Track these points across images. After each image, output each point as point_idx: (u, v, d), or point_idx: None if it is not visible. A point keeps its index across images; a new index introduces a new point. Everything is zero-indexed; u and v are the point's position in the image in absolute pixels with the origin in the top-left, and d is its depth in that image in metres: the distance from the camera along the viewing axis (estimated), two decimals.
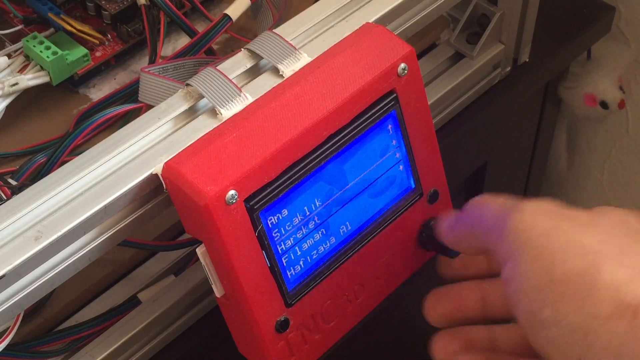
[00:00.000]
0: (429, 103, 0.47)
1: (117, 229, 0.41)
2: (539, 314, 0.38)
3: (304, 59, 0.44)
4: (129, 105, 0.48)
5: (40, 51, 0.53)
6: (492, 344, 0.47)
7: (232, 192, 0.39)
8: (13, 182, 0.47)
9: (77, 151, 0.49)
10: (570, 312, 0.37)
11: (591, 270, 0.37)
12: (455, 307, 0.47)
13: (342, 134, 0.43)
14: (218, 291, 0.42)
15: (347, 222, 0.45)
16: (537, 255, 0.38)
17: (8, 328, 0.42)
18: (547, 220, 0.39)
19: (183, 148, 0.41)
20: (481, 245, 0.43)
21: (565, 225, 0.39)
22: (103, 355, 0.47)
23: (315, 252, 0.44)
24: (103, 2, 0.58)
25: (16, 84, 0.53)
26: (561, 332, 0.38)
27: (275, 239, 0.42)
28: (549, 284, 0.38)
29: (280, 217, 0.42)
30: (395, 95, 0.44)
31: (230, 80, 0.43)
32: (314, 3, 0.48)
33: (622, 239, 0.38)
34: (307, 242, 0.43)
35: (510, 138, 0.76)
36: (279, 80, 0.43)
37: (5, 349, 0.43)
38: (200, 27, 0.54)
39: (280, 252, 0.42)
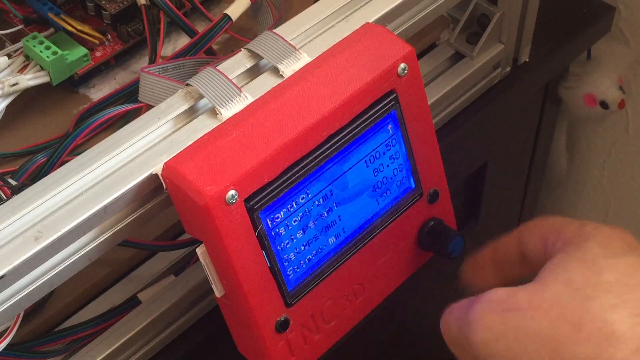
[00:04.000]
0: (429, 103, 0.47)
1: (117, 229, 0.41)
2: None
3: (304, 59, 0.44)
4: (129, 105, 0.48)
5: (40, 51, 0.53)
6: None
7: (232, 192, 0.39)
8: (13, 182, 0.47)
9: (77, 151, 0.49)
10: None
11: (555, 358, 0.38)
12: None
13: (342, 134, 0.43)
14: (218, 291, 0.42)
15: (347, 222, 0.45)
16: None
17: (8, 328, 0.42)
18: (497, 319, 0.39)
19: (183, 148, 0.41)
20: None
21: (513, 319, 0.39)
22: (103, 355, 0.47)
23: (315, 252, 0.44)
24: (103, 2, 0.58)
25: (16, 84, 0.53)
26: None
27: (275, 239, 0.42)
28: None
29: (280, 217, 0.42)
30: (395, 95, 0.44)
31: (230, 80, 0.43)
32: (314, 3, 0.48)
33: (571, 312, 0.38)
34: (307, 242, 0.43)
35: (510, 138, 0.76)
36: (279, 80, 0.43)
37: (5, 349, 0.43)
38: (200, 27, 0.54)
39: (280, 252, 0.42)
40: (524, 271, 0.43)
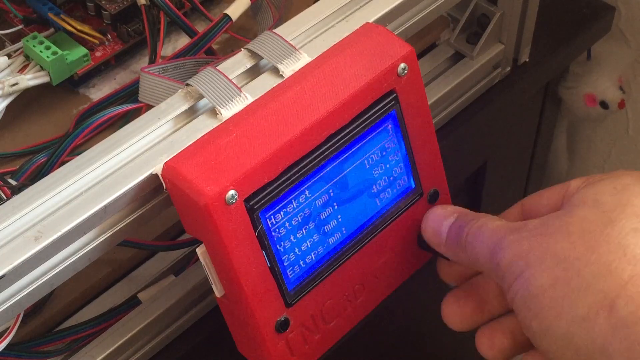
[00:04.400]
0: (429, 103, 0.47)
1: (117, 229, 0.41)
2: (530, 327, 0.40)
3: (304, 59, 0.44)
4: (129, 105, 0.48)
5: (40, 51, 0.53)
6: None
7: (232, 192, 0.39)
8: (13, 182, 0.47)
9: (77, 151, 0.49)
10: (553, 321, 0.39)
11: (563, 276, 0.39)
12: (476, 305, 0.47)
13: (342, 134, 0.43)
14: (218, 291, 0.42)
15: (347, 222, 0.45)
16: (520, 277, 0.40)
17: (8, 328, 0.42)
18: (526, 243, 0.41)
19: (183, 148, 0.41)
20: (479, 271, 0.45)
21: (539, 241, 0.40)
22: (103, 355, 0.47)
23: (315, 252, 0.44)
24: (103, 2, 0.58)
25: (16, 84, 0.53)
26: (550, 341, 0.39)
27: (275, 239, 0.42)
28: (530, 298, 0.40)
29: (280, 217, 0.42)
30: (395, 95, 0.44)
31: (230, 80, 0.43)
32: (314, 3, 0.48)
33: (590, 235, 0.39)
34: (307, 242, 0.43)
35: (510, 138, 0.76)
36: (279, 80, 0.43)
37: (5, 349, 0.43)
38: (200, 27, 0.54)
39: (280, 252, 0.42)
40: None
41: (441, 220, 0.46)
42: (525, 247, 0.40)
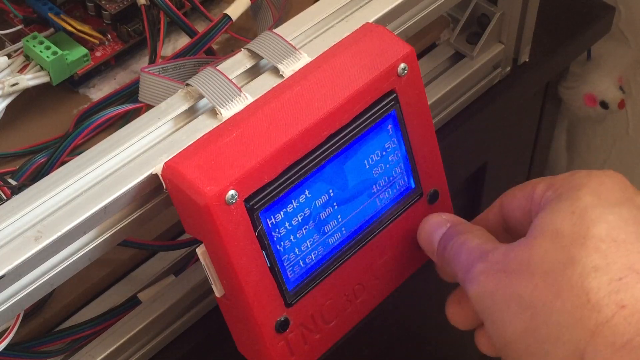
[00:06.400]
0: (429, 103, 0.47)
1: (117, 229, 0.41)
2: None
3: (304, 59, 0.44)
4: (129, 105, 0.48)
5: (40, 51, 0.53)
6: None
7: (232, 192, 0.39)
8: (13, 182, 0.47)
9: (77, 151, 0.49)
10: None
11: (532, 325, 0.38)
12: None
13: (342, 134, 0.43)
14: (218, 291, 0.42)
15: (347, 222, 0.45)
16: (490, 318, 0.40)
17: (8, 328, 0.42)
18: (490, 281, 0.40)
19: (183, 148, 0.41)
20: None
21: (503, 281, 0.39)
22: (103, 355, 0.47)
23: (315, 252, 0.44)
24: (103, 2, 0.58)
25: (16, 84, 0.53)
26: None
27: (275, 239, 0.42)
28: (506, 345, 0.39)
29: (280, 217, 0.42)
30: (395, 95, 0.44)
31: (230, 80, 0.43)
32: (314, 3, 0.48)
33: (552, 276, 0.38)
34: (307, 242, 0.43)
35: (510, 138, 0.76)
36: (279, 80, 0.43)
37: (5, 349, 0.43)
38: (200, 27, 0.54)
39: (280, 252, 0.42)
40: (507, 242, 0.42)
41: (434, 229, 0.46)
42: (490, 286, 0.40)
